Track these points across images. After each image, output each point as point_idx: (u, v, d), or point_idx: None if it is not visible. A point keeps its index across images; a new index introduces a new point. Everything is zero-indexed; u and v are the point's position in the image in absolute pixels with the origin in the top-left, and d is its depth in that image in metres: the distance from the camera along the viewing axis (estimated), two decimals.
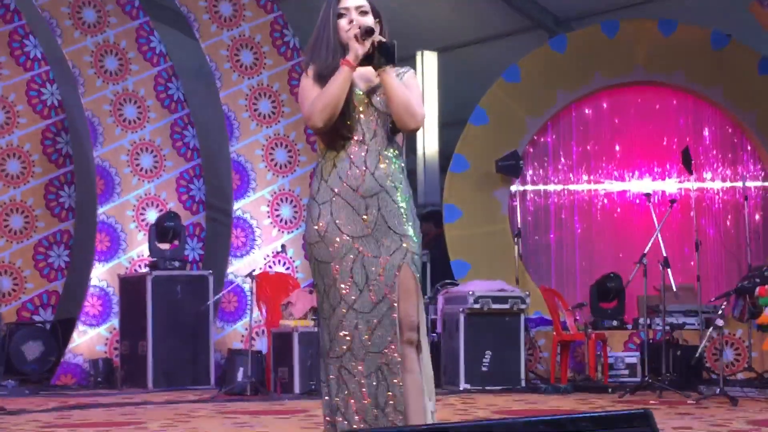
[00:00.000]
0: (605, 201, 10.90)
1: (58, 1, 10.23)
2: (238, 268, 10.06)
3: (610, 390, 8.27)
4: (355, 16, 3.59)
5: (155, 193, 10.37)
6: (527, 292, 9.04)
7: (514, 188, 10.69)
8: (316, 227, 3.52)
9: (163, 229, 9.65)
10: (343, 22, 3.58)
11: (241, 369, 8.59)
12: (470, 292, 8.71)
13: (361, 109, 3.59)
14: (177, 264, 9.53)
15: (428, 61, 11.32)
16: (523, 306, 8.75)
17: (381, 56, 3.53)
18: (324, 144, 3.62)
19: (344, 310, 3.43)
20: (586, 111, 10.93)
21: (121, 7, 10.46)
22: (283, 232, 10.26)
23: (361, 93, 3.60)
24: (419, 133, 11.33)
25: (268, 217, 10.32)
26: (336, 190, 3.53)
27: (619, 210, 10.85)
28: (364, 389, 3.48)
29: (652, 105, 10.88)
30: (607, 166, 10.89)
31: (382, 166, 3.56)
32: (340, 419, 3.51)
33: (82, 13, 10.31)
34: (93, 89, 10.27)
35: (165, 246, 9.60)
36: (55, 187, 10.45)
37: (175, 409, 7.33)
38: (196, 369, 9.26)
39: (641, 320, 8.87)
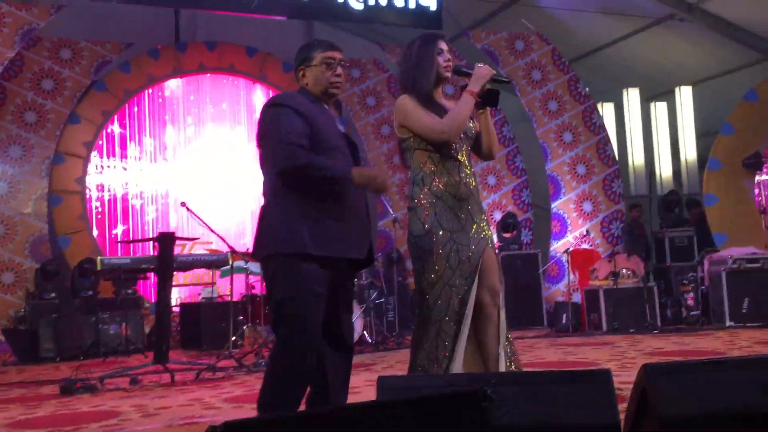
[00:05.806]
0: None
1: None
2: (557, 247, 9.88)
3: None
4: (451, 56, 3.04)
5: (498, 200, 10.38)
6: None
7: (758, 178, 9.58)
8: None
9: (505, 224, 9.70)
10: (440, 59, 2.99)
11: (564, 315, 8.46)
12: (730, 256, 7.94)
13: (461, 136, 2.99)
14: (515, 246, 9.50)
15: (684, 92, 10.50)
16: None
17: (489, 100, 2.94)
18: (425, 159, 2.96)
19: None
20: None
21: None
22: (586, 221, 9.95)
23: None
24: (681, 144, 10.54)
25: (575, 211, 10.03)
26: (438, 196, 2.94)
27: None
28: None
29: None
30: None
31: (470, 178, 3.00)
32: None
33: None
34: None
35: (507, 235, 9.61)
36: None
37: (521, 342, 7.23)
38: (533, 315, 9.10)
39: None
